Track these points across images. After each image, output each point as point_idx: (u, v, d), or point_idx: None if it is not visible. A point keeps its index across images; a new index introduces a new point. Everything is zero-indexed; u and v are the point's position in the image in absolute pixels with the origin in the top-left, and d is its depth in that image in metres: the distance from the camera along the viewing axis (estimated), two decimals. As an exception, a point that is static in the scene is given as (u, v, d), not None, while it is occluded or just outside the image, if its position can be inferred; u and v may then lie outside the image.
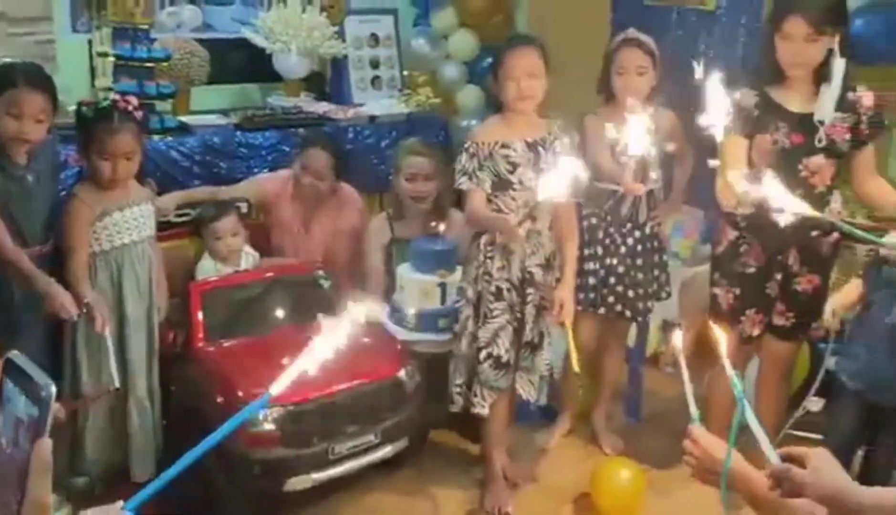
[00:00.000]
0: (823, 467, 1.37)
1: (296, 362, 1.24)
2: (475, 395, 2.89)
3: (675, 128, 3.22)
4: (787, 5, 2.82)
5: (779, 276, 2.97)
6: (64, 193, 2.95)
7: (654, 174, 3.16)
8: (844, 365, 2.94)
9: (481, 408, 2.90)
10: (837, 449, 2.92)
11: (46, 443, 0.83)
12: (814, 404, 3.33)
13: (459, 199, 3.19)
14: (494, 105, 3.03)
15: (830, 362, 3.31)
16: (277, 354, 2.89)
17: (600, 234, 3.28)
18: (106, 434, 2.86)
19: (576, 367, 2.87)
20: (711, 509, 3.00)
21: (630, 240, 3.28)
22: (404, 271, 3.77)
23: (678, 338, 1.65)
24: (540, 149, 2.88)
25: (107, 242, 2.79)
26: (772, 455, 1.41)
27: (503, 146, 2.85)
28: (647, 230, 3.30)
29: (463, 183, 2.87)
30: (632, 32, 3.18)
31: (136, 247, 2.84)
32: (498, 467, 3.06)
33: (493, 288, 2.86)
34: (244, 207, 3.64)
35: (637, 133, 2.43)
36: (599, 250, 3.28)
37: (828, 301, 2.84)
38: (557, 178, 2.21)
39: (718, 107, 2.33)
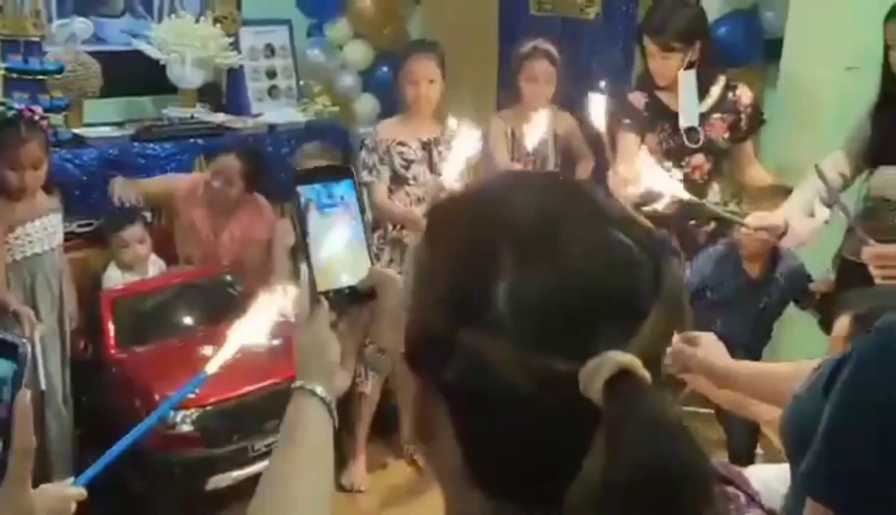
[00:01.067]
0: (709, 347, 1.56)
1: (227, 343, 1.35)
2: (358, 375, 3.04)
3: (573, 129, 3.44)
4: (643, 25, 3.08)
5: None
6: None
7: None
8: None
9: (363, 387, 3.11)
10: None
11: (25, 394, 0.92)
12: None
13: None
14: (393, 107, 3.23)
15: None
16: (191, 357, 2.95)
17: None
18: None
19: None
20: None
21: None
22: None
23: None
24: (434, 148, 3.09)
25: (18, 253, 2.77)
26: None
27: (400, 143, 3.07)
28: None
29: (364, 176, 3.03)
30: (540, 43, 3.39)
31: (47, 257, 2.84)
32: (362, 444, 3.21)
33: None
34: (149, 216, 3.66)
35: (538, 131, 2.65)
36: None
37: None
38: (458, 163, 2.40)
39: (600, 107, 2.57)
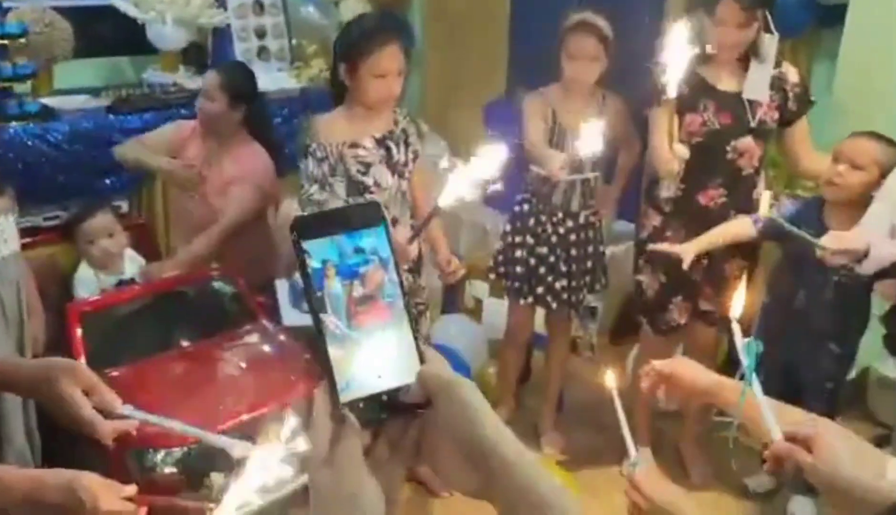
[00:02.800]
0: (831, 448, 1.20)
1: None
2: None
3: (620, 115, 3.04)
4: None
5: (706, 261, 2.86)
6: None
7: (589, 164, 3.00)
8: (764, 347, 2.89)
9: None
10: None
11: None
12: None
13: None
14: (336, 93, 2.65)
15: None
16: (174, 381, 2.61)
17: (531, 222, 3.10)
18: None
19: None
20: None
21: (561, 230, 3.10)
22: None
23: (610, 379, 1.47)
24: (390, 143, 2.63)
25: None
26: (775, 430, 1.23)
27: (352, 145, 2.57)
28: (582, 220, 3.12)
29: (315, 193, 2.56)
30: (589, 17, 2.91)
31: (1, 268, 2.44)
32: None
33: None
34: (123, 205, 3.27)
35: (590, 142, 2.26)
36: (529, 239, 3.10)
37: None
38: (464, 182, 1.87)
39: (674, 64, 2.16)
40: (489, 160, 1.64)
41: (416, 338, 0.75)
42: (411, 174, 2.70)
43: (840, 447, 1.23)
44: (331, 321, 0.72)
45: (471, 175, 1.63)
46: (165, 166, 3.23)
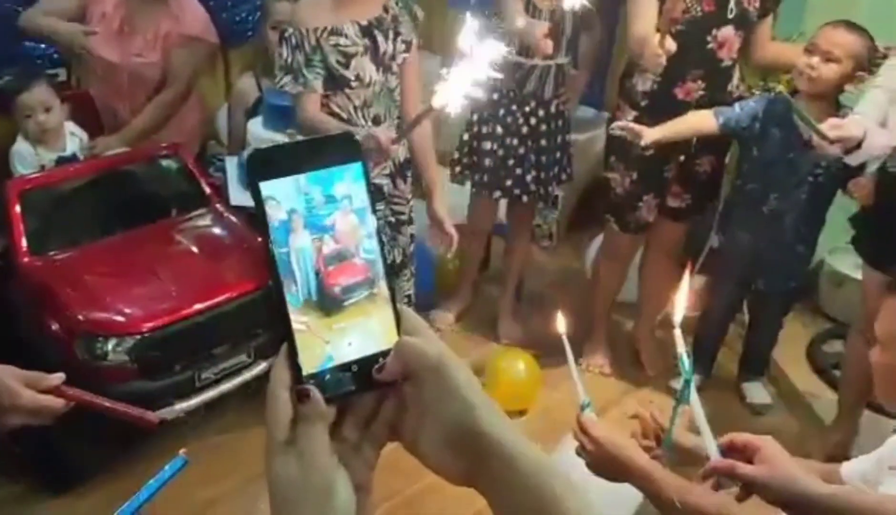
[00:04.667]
0: (775, 460, 1.16)
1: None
2: None
3: None
4: None
5: (681, 158, 2.79)
6: None
7: (563, 48, 2.88)
8: (726, 248, 2.89)
9: None
10: (716, 324, 2.98)
11: None
12: (696, 282, 3.29)
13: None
14: None
15: (714, 241, 3.28)
16: (122, 265, 2.48)
17: (501, 112, 2.96)
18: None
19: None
20: (602, 397, 2.94)
21: (533, 120, 2.98)
22: (253, 126, 3.40)
23: (561, 324, 1.42)
24: (376, 32, 2.36)
25: None
26: (711, 446, 1.20)
27: (332, 32, 2.30)
28: (553, 108, 3.00)
29: (287, 84, 2.32)
30: None
31: None
32: None
33: None
34: (61, 74, 3.03)
35: None
36: (499, 129, 2.98)
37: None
38: (460, 82, 1.72)
39: None
40: (487, 58, 1.51)
41: (393, 300, 0.63)
42: (400, 67, 2.44)
43: (783, 454, 1.17)
44: (291, 280, 0.60)
45: (470, 73, 1.50)
46: (62, 30, 2.91)
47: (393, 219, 2.55)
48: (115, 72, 2.98)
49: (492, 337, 3.32)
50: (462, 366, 0.61)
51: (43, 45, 3.35)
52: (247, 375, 2.50)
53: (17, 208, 2.46)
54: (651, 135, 2.58)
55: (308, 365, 0.60)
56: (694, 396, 1.23)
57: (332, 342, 0.61)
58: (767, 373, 3.14)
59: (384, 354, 0.62)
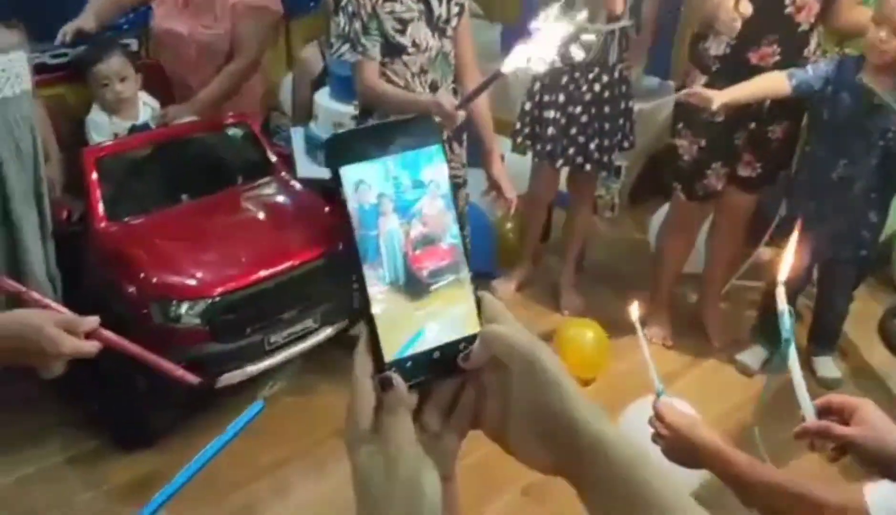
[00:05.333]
0: (873, 421, 1.14)
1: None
2: None
3: None
4: None
5: (752, 125, 2.73)
6: None
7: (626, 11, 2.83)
8: (795, 215, 2.82)
9: None
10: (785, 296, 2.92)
11: None
12: (765, 254, 3.23)
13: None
14: None
15: (783, 209, 3.20)
16: (193, 231, 2.54)
17: (564, 79, 2.93)
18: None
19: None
20: (665, 369, 2.92)
21: (596, 87, 2.94)
22: (320, 98, 3.41)
23: (635, 311, 1.40)
24: None
25: None
26: (807, 407, 1.18)
27: (388, 0, 2.32)
28: (616, 74, 2.96)
29: (345, 53, 2.33)
30: None
31: (10, 106, 2.31)
32: None
33: None
34: (133, 44, 3.09)
35: None
36: (561, 97, 2.95)
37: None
38: (533, 47, 1.70)
39: None
40: (561, 25, 1.49)
41: (474, 284, 0.63)
42: (455, 31, 2.45)
43: (883, 416, 1.15)
44: (375, 266, 0.59)
45: (542, 40, 1.48)
46: None
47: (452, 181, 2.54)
48: (183, 43, 3.04)
49: (553, 307, 3.31)
50: (553, 356, 0.59)
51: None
52: (313, 340, 2.55)
53: (94, 175, 2.52)
54: (720, 97, 2.52)
55: (389, 352, 0.59)
56: (793, 355, 1.20)
57: (415, 327, 0.60)
58: (838, 348, 3.07)
59: (467, 340, 0.61)
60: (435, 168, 0.62)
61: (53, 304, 1.27)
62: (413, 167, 0.61)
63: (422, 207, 0.61)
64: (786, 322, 1.22)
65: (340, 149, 0.60)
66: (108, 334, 1.24)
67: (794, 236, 1.25)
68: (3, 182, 2.33)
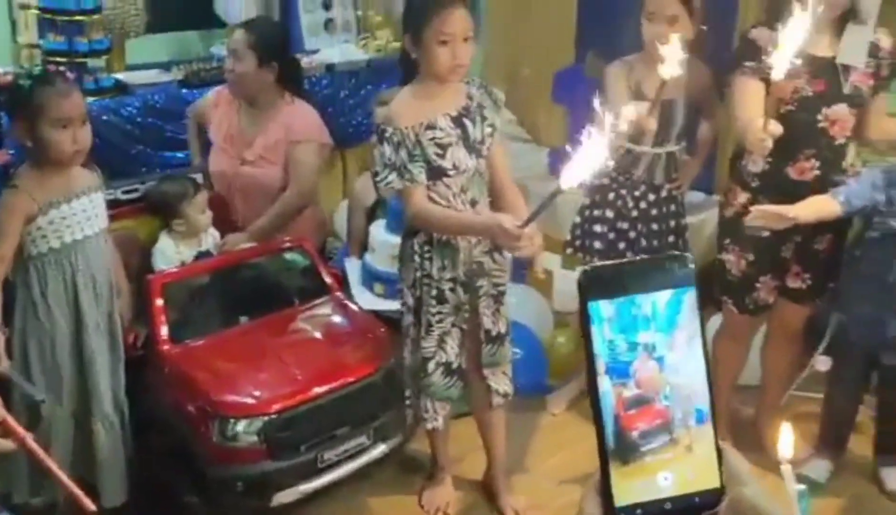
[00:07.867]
0: None
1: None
2: (426, 410, 2.59)
3: (706, 83, 2.94)
4: None
5: (798, 238, 2.75)
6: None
7: (675, 136, 2.94)
8: (850, 324, 2.80)
9: (434, 422, 2.61)
10: (844, 407, 2.86)
11: None
12: (822, 364, 3.18)
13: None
14: (405, 71, 2.54)
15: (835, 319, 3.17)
16: (251, 351, 2.63)
17: (611, 196, 3.02)
18: (70, 454, 2.50)
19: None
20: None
21: (643, 204, 3.01)
22: (376, 230, 3.50)
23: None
24: (465, 121, 2.46)
25: (55, 239, 2.40)
26: None
27: (428, 127, 2.40)
28: (664, 193, 3.03)
29: (393, 181, 2.40)
30: None
31: (90, 243, 2.47)
32: (447, 467, 2.83)
33: (434, 292, 2.48)
34: (198, 178, 3.28)
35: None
36: (609, 213, 3.03)
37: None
38: (583, 162, 1.76)
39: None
40: (607, 140, 1.56)
41: (716, 438, 0.63)
42: (489, 150, 2.53)
43: None
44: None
45: (592, 155, 1.56)
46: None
47: (494, 292, 2.58)
48: (225, 179, 3.24)
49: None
50: None
51: (181, 153, 3.67)
52: (366, 457, 2.57)
53: (159, 301, 2.65)
54: (792, 210, 2.53)
55: (621, 498, 0.59)
56: None
57: (649, 473, 0.60)
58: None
59: (703, 496, 0.61)
60: (686, 310, 0.62)
61: None
62: (661, 308, 0.61)
63: (673, 344, 0.61)
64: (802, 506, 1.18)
65: (594, 284, 0.61)
66: (19, 429, 1.29)
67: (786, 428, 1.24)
68: (80, 315, 2.46)
